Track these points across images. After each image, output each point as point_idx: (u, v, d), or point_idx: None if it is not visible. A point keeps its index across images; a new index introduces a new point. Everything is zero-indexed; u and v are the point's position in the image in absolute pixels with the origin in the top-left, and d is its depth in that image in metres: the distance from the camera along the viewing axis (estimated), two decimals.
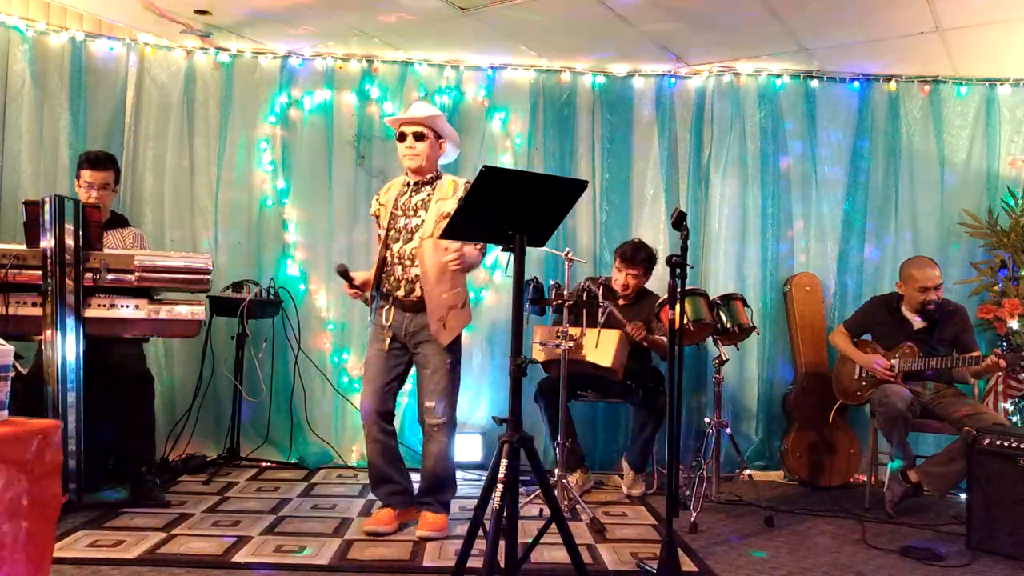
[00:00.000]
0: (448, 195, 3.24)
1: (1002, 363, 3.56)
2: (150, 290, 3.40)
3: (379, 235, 3.33)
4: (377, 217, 3.38)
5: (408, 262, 3.22)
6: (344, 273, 3.26)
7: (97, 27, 4.51)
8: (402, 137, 3.26)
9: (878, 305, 4.15)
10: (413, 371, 3.38)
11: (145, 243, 3.85)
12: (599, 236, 4.72)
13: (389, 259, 3.26)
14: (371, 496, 3.86)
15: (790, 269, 4.70)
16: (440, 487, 3.30)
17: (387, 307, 3.26)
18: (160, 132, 4.56)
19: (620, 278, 4.13)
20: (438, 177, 3.32)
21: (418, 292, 3.19)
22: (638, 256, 4.11)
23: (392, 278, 3.24)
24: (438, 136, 3.30)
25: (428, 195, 3.26)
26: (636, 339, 3.89)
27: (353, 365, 4.62)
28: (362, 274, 3.35)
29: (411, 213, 3.26)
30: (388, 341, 3.25)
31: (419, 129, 3.24)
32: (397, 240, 3.25)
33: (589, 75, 4.74)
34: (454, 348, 3.25)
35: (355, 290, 3.30)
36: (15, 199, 4.08)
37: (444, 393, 3.22)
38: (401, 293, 3.22)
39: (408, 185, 3.31)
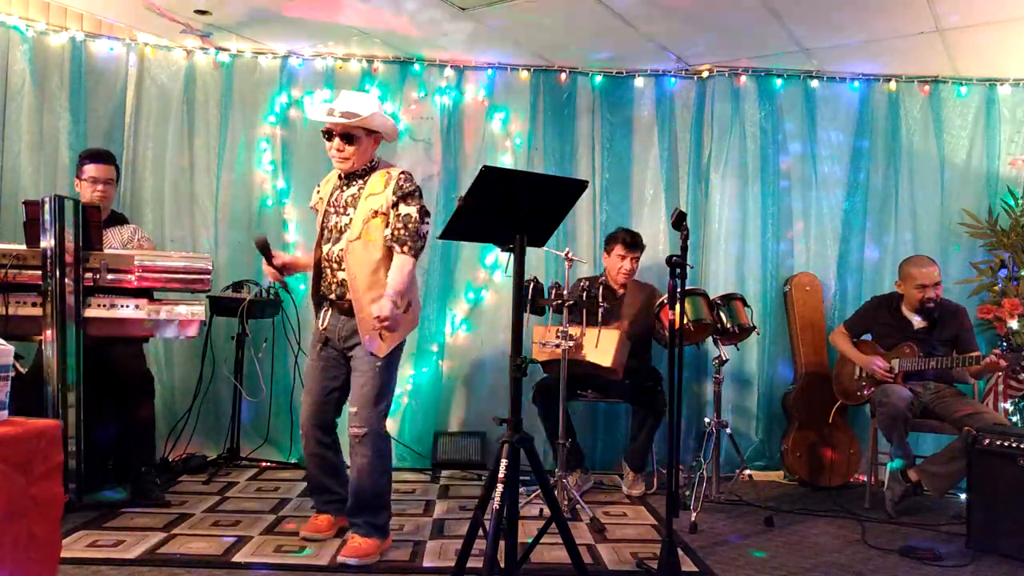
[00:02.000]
0: (379, 190, 2.92)
1: (1002, 363, 3.56)
2: (150, 290, 3.40)
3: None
4: (315, 208, 3.14)
5: (335, 265, 2.95)
6: (263, 246, 2.99)
7: (97, 27, 4.51)
8: (328, 135, 2.93)
9: (878, 305, 4.15)
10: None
11: (142, 234, 3.84)
12: (599, 236, 4.72)
13: (319, 260, 3.02)
14: None
15: (790, 269, 4.70)
16: (366, 506, 2.95)
17: (324, 310, 3.02)
18: (160, 132, 4.55)
19: (625, 265, 4.17)
20: (373, 168, 3.01)
21: (349, 295, 2.92)
22: (638, 240, 4.21)
23: (324, 281, 3.00)
24: (370, 131, 2.95)
25: (359, 190, 2.97)
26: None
27: None
28: (286, 256, 3.13)
29: (341, 210, 2.99)
30: (320, 347, 3.03)
31: (349, 132, 2.91)
32: (328, 240, 2.99)
33: (589, 75, 4.74)
34: (390, 357, 2.95)
35: (272, 269, 3.03)
36: (15, 199, 4.07)
37: (367, 400, 2.89)
38: (333, 297, 2.98)
39: (341, 179, 3.03)
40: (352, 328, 2.93)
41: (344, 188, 3.01)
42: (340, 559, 2.87)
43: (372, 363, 2.90)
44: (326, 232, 3.00)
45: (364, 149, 2.95)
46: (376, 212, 2.90)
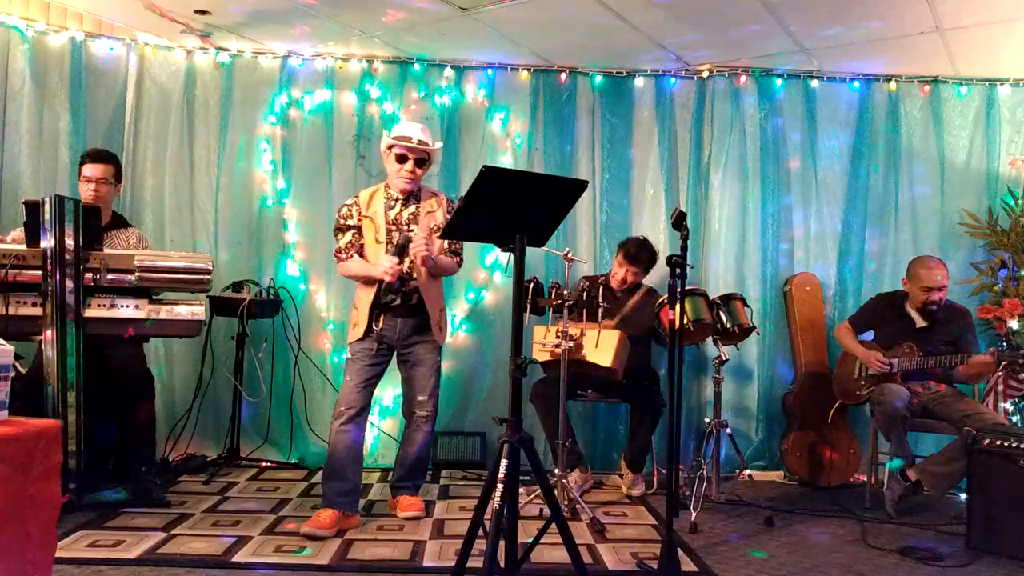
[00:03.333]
0: (435, 208, 3.48)
1: (988, 359, 3.58)
2: (150, 290, 3.40)
3: (363, 243, 3.46)
4: (357, 227, 3.47)
5: (407, 276, 3.37)
6: (404, 249, 3.30)
7: (97, 27, 4.51)
8: (402, 159, 3.39)
9: (883, 302, 4.15)
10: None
11: (147, 244, 3.85)
12: (599, 236, 4.72)
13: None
14: (371, 496, 3.88)
15: (790, 269, 4.70)
16: (420, 471, 3.62)
17: (379, 313, 3.40)
18: (160, 132, 4.55)
19: (620, 273, 4.18)
20: (420, 191, 3.51)
21: (413, 300, 3.39)
22: (641, 256, 4.16)
23: (389, 292, 3.33)
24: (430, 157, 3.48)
25: (416, 208, 3.47)
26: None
27: None
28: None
29: (405, 228, 3.42)
30: (377, 345, 3.40)
31: (423, 156, 3.42)
32: (392, 254, 3.34)
33: (589, 75, 4.74)
34: (441, 349, 3.56)
35: (400, 269, 3.29)
36: (15, 199, 4.08)
37: (434, 390, 3.52)
38: (398, 303, 3.36)
39: (396, 200, 3.47)
40: (412, 327, 3.43)
41: (403, 208, 3.46)
42: (403, 515, 3.46)
43: (435, 358, 3.50)
44: (390, 247, 3.34)
45: (425, 171, 3.48)
46: (438, 228, 3.41)
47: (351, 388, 3.37)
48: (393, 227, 3.42)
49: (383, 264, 3.29)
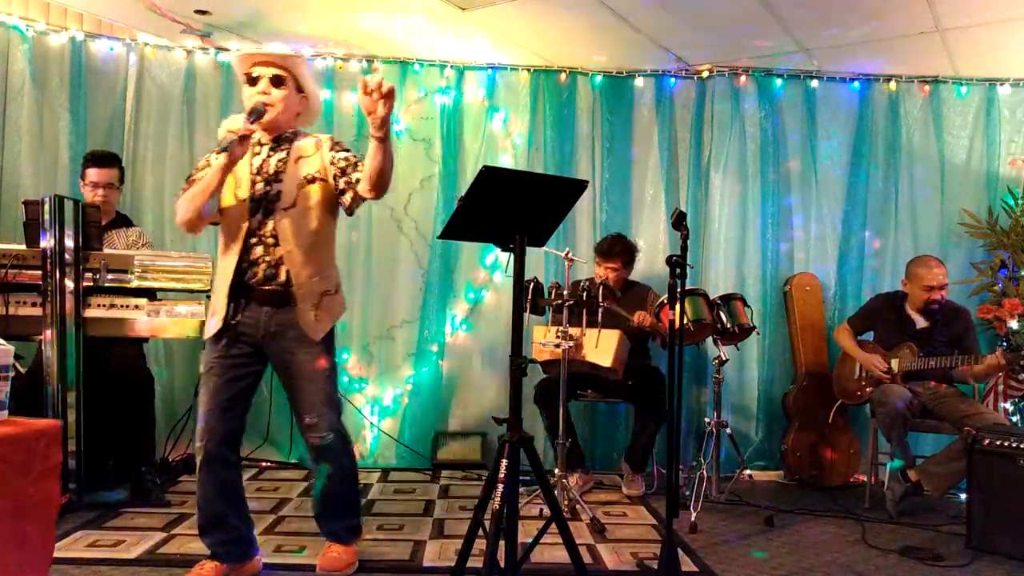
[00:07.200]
0: (311, 153, 2.59)
1: (1002, 361, 3.57)
2: (151, 290, 3.41)
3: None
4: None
5: (271, 240, 2.53)
6: (261, 114, 2.50)
7: (97, 27, 4.51)
8: (253, 81, 2.54)
9: (883, 302, 4.15)
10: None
11: (147, 241, 3.86)
12: (599, 236, 4.70)
13: (247, 236, 2.54)
14: (371, 496, 3.87)
15: (790, 269, 4.70)
16: (342, 511, 2.75)
17: (238, 302, 2.54)
18: (160, 132, 4.55)
19: (600, 272, 4.19)
20: (296, 135, 2.65)
21: (282, 277, 2.52)
22: (614, 250, 4.16)
23: (246, 261, 2.53)
24: (299, 89, 2.61)
25: (287, 154, 2.59)
26: (645, 326, 3.92)
27: (353, 365, 4.62)
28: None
29: (272, 177, 2.56)
30: (225, 343, 2.55)
31: (278, 72, 2.54)
32: (256, 212, 2.54)
33: (589, 75, 4.74)
34: (329, 347, 2.64)
35: (248, 131, 2.42)
36: (15, 199, 4.07)
37: (328, 404, 2.61)
38: (260, 278, 2.52)
39: (261, 144, 2.60)
40: (284, 321, 2.55)
41: (271, 153, 2.60)
42: (319, 571, 2.72)
43: (316, 364, 2.59)
44: (252, 204, 2.54)
45: (291, 100, 2.59)
46: (313, 178, 2.57)
47: (208, 414, 2.54)
48: (258, 176, 2.54)
49: (227, 126, 2.45)
